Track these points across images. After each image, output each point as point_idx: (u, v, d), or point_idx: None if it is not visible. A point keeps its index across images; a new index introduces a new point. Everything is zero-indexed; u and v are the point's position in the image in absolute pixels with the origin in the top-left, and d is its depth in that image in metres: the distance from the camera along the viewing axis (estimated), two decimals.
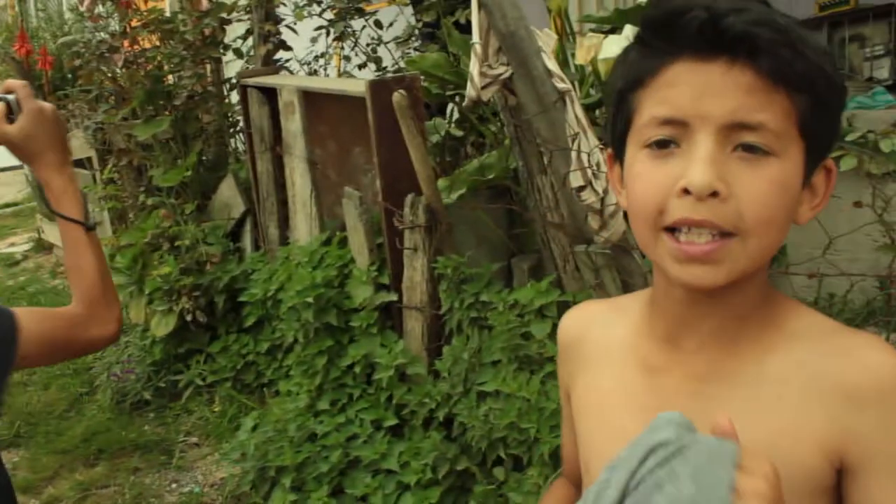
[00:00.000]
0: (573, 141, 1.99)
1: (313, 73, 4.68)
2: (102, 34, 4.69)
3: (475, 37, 2.12)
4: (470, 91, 2.12)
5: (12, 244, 7.62)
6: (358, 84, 2.94)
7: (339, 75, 4.68)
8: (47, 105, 1.36)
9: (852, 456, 0.75)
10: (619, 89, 0.82)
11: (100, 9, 4.46)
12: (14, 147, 1.34)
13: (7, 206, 9.11)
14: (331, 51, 4.53)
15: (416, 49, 4.09)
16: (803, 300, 2.35)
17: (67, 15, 7.11)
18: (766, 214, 0.75)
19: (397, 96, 2.51)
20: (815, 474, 0.76)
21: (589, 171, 1.97)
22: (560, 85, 2.01)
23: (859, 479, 0.75)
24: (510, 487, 2.32)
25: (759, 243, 0.76)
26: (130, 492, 3.49)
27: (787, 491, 0.66)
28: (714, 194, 0.74)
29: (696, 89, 0.74)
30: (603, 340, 0.95)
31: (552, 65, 2.05)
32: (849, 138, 2.66)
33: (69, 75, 6.08)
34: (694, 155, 0.74)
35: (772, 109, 0.74)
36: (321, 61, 4.68)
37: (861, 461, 0.75)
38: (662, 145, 0.78)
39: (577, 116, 1.98)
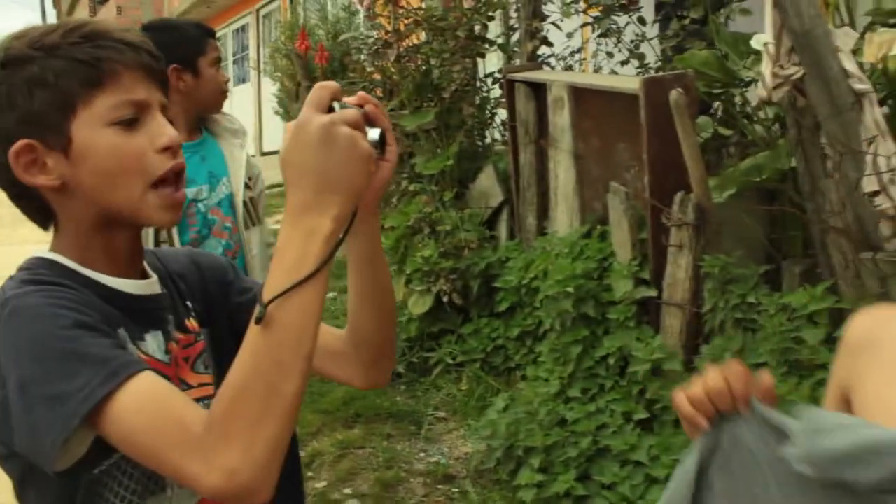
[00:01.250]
0: (869, 145, 1.93)
1: (569, 68, 4.79)
2: (375, 33, 5.06)
3: (768, 36, 2.11)
4: (761, 91, 2.11)
5: (278, 221, 8.41)
6: (631, 81, 3.00)
7: (596, 70, 4.75)
8: (319, 119, 0.88)
9: None
10: None
11: (374, 9, 4.81)
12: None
13: (274, 186, 10.03)
14: (592, 46, 4.61)
15: (679, 46, 4.06)
16: None
17: (337, 12, 7.71)
18: None
19: (675, 94, 2.54)
20: None
21: (885, 177, 1.90)
22: (858, 86, 1.96)
23: None
24: None
25: None
26: (384, 455, 3.77)
27: None
28: None
29: None
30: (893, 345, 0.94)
31: (850, 65, 2.00)
32: None
33: (341, 69, 6.60)
34: None
35: None
36: (577, 56, 4.78)
37: None
38: None
39: (876, 120, 1.93)
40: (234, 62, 16.58)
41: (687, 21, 3.86)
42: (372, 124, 0.95)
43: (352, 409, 4.18)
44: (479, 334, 4.21)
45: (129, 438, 0.89)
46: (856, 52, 2.60)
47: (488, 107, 4.92)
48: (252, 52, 15.53)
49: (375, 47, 4.62)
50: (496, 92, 4.77)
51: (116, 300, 1.02)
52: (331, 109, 0.90)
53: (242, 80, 16.05)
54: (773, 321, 2.31)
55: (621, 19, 4.21)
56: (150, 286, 1.09)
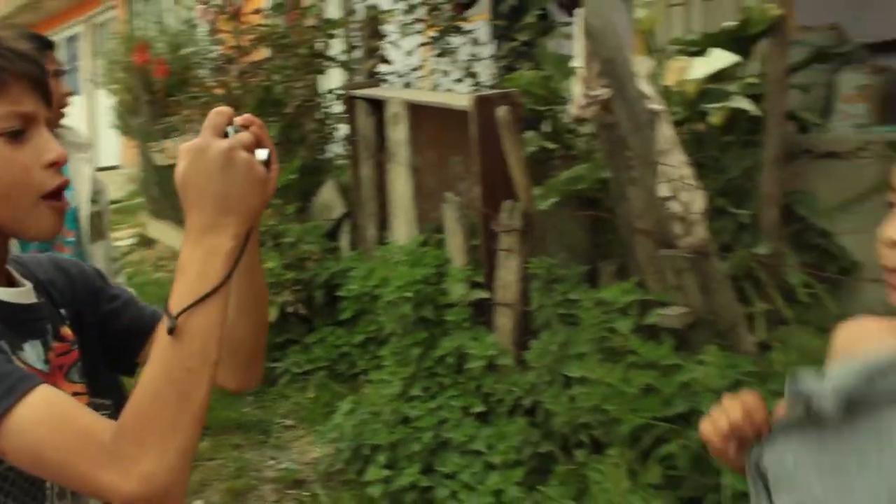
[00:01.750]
0: (663, 156, 2.22)
1: (408, 85, 5.00)
2: (218, 48, 5.10)
3: (579, 61, 2.37)
4: (573, 110, 2.37)
5: (116, 239, 8.16)
6: (462, 98, 3.22)
7: (433, 88, 5.00)
8: (218, 143, 0.94)
9: None
10: None
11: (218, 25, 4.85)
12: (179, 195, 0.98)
13: (111, 202, 9.70)
14: (430, 65, 4.84)
15: (510, 66, 4.35)
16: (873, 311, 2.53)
17: (177, 25, 7.61)
18: None
19: (502, 111, 2.78)
20: None
21: (676, 183, 2.19)
22: (653, 106, 2.25)
23: None
24: (590, 468, 2.55)
25: None
26: (233, 465, 3.81)
27: None
28: None
29: None
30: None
31: (647, 88, 2.28)
32: None
33: (181, 83, 6.54)
34: None
35: None
36: (415, 74, 5.00)
37: None
38: None
39: (667, 134, 2.22)
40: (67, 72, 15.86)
41: (517, 43, 4.15)
42: (258, 144, 0.99)
43: None
44: (324, 343, 4.33)
45: (33, 453, 0.89)
46: (655, 76, 2.93)
47: (329, 122, 5.06)
48: (85, 63, 14.91)
49: (219, 63, 4.65)
50: (337, 108, 4.92)
51: None
52: (225, 133, 0.95)
53: (74, 92, 15.38)
54: (590, 314, 2.58)
55: (457, 40, 4.46)
56: (26, 294, 1.08)
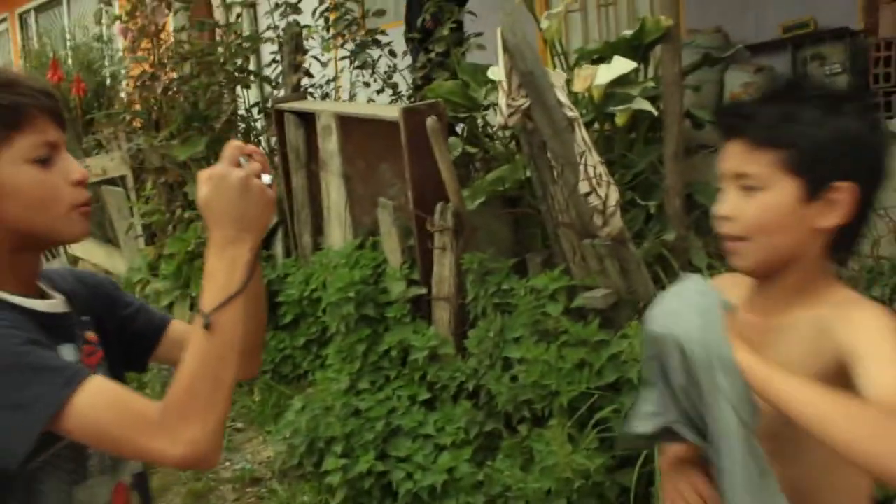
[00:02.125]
0: (581, 157, 2.53)
1: (326, 96, 5.22)
2: (137, 65, 5.20)
3: (501, 75, 2.66)
4: (498, 119, 2.66)
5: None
6: (391, 110, 3.48)
7: (351, 98, 5.23)
8: (236, 172, 1.15)
9: (849, 356, 1.18)
10: None
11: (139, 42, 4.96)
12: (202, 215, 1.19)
13: None
14: (347, 76, 5.07)
15: (427, 76, 4.63)
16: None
17: (88, 41, 7.60)
18: (758, 224, 1.26)
19: (431, 121, 3.04)
20: (830, 375, 1.19)
21: (594, 180, 2.51)
22: (570, 113, 2.55)
23: (856, 366, 1.17)
24: (533, 440, 2.84)
25: (761, 244, 1.25)
26: (189, 469, 3.97)
27: (816, 377, 1.15)
28: (728, 218, 1.26)
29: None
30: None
31: (563, 97, 2.59)
32: None
33: (96, 99, 6.58)
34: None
35: (757, 162, 1.24)
36: (332, 85, 5.23)
37: (853, 356, 1.17)
38: None
39: (583, 138, 2.53)
40: None
41: (433, 54, 4.42)
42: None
43: None
44: (266, 347, 4.50)
45: (95, 432, 1.09)
46: (568, 83, 3.25)
47: (253, 134, 5.23)
48: None
49: (142, 80, 4.77)
50: (261, 122, 5.10)
51: (33, 319, 1.19)
52: (238, 163, 1.17)
53: None
54: (524, 301, 2.88)
55: (374, 52, 4.71)
56: (58, 305, 1.28)
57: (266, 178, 1.19)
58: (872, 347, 1.16)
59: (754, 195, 1.25)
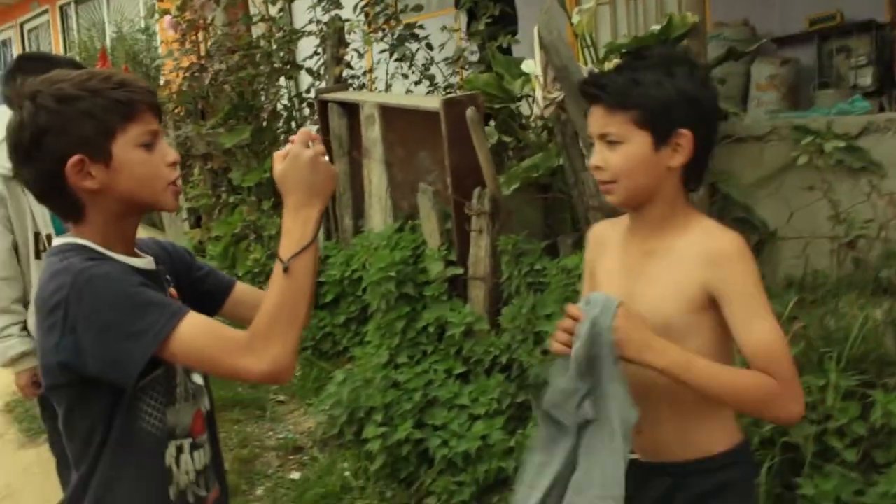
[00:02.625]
0: None
1: (362, 86, 5.45)
2: (188, 57, 5.45)
3: (538, 69, 2.86)
4: (536, 110, 2.86)
5: None
6: (432, 100, 3.69)
7: (386, 88, 5.45)
8: (306, 152, 1.42)
9: (717, 293, 1.50)
10: None
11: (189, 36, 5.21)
12: (278, 185, 1.46)
13: None
14: (384, 67, 5.29)
15: (463, 69, 4.84)
16: (791, 276, 3.08)
17: (133, 34, 7.89)
18: (622, 170, 1.53)
19: (471, 112, 3.25)
20: (697, 300, 1.51)
21: None
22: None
23: (725, 307, 1.49)
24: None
25: (626, 184, 1.54)
26: (237, 437, 4.23)
27: (681, 309, 1.50)
28: (599, 168, 1.55)
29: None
30: (612, 240, 1.71)
31: None
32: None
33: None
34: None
35: (615, 122, 1.52)
36: (368, 76, 5.46)
37: (722, 296, 1.49)
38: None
39: None
40: None
41: (469, 48, 4.63)
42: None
43: None
44: (307, 325, 4.74)
45: (196, 355, 1.37)
46: None
47: (295, 123, 5.47)
48: None
49: (192, 70, 5.02)
50: (305, 111, 5.34)
51: (134, 272, 1.46)
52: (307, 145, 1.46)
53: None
54: (555, 279, 3.09)
55: (412, 45, 4.92)
56: (150, 263, 1.55)
57: (327, 158, 1.49)
58: (738, 291, 1.48)
59: (617, 148, 1.52)
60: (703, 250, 1.52)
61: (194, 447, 1.56)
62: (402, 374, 3.69)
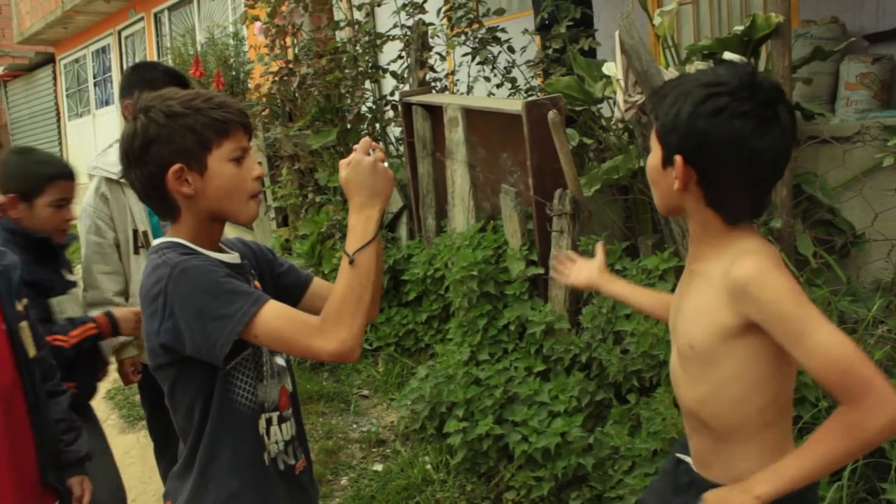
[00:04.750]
0: None
1: (444, 89, 5.55)
2: (277, 61, 5.65)
3: (619, 73, 2.90)
4: (616, 113, 2.90)
5: None
6: (514, 103, 3.76)
7: (468, 90, 5.54)
8: (367, 158, 1.58)
9: (758, 321, 1.41)
10: None
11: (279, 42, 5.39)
12: (344, 189, 1.63)
13: None
14: (465, 70, 5.38)
15: (545, 71, 4.89)
16: (878, 279, 3.04)
17: (224, 39, 8.18)
18: (648, 175, 1.58)
19: (552, 114, 3.31)
20: (727, 327, 1.46)
21: None
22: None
23: (772, 334, 1.41)
24: (640, 408, 3.09)
25: (653, 190, 1.58)
26: (322, 428, 4.39)
27: (708, 333, 1.47)
28: None
29: None
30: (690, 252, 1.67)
31: None
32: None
33: (232, 94, 7.11)
34: None
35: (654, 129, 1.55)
36: (450, 79, 5.55)
37: (763, 324, 1.41)
38: None
39: None
40: (96, 84, 16.46)
41: (549, 50, 4.68)
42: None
43: None
44: (390, 322, 4.88)
45: (275, 335, 1.53)
46: None
47: (380, 125, 5.61)
48: (115, 74, 15.50)
49: (281, 74, 5.21)
50: (389, 113, 5.47)
51: (221, 266, 1.63)
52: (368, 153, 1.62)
53: (105, 102, 15.99)
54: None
55: (494, 48, 5.00)
56: (236, 258, 1.73)
57: (386, 164, 1.63)
58: (774, 316, 1.39)
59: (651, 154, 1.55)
60: (729, 279, 1.45)
61: (282, 420, 1.74)
62: (483, 371, 3.77)
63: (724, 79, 1.45)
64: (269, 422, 1.71)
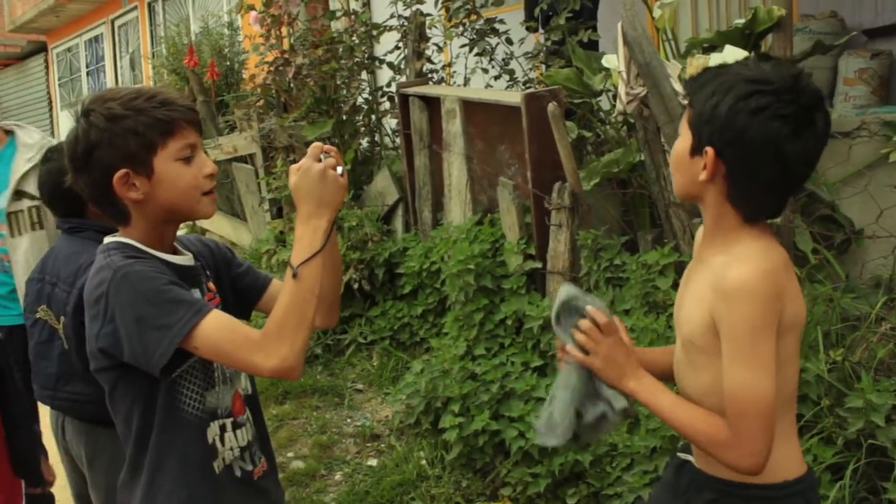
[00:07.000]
0: None
1: (441, 80, 5.50)
2: (272, 52, 5.59)
3: (621, 65, 2.87)
4: (618, 106, 2.87)
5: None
6: (513, 95, 3.72)
7: (465, 82, 5.49)
8: (317, 165, 1.52)
9: (717, 325, 1.45)
10: None
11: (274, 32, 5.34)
12: (293, 196, 1.59)
13: None
14: (462, 62, 5.33)
15: (543, 63, 4.84)
16: (879, 276, 3.02)
17: (218, 29, 8.11)
18: (672, 160, 1.55)
19: (552, 107, 3.27)
20: (706, 323, 1.47)
21: None
22: (684, 101, 2.74)
23: (721, 342, 1.45)
24: (640, 405, 3.05)
25: (674, 176, 1.55)
26: (316, 423, 4.35)
27: (701, 325, 1.48)
28: None
29: None
30: (698, 240, 1.65)
31: (678, 86, 2.78)
32: None
33: (228, 84, 7.06)
34: None
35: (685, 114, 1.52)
36: (446, 71, 5.51)
37: (719, 330, 1.45)
38: None
39: None
40: (89, 73, 16.35)
41: (548, 42, 4.64)
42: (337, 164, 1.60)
43: (280, 388, 4.73)
44: (385, 315, 4.84)
45: (214, 348, 1.50)
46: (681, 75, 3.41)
47: (376, 116, 5.56)
48: (108, 64, 15.40)
49: (276, 64, 5.15)
50: (385, 104, 5.42)
51: (172, 269, 1.60)
52: (319, 158, 1.56)
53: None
54: (635, 275, 3.09)
55: (492, 40, 4.95)
56: (188, 260, 1.69)
57: (339, 170, 1.57)
58: (730, 330, 1.44)
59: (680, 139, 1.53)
60: (718, 277, 1.46)
61: (236, 426, 1.70)
62: (480, 366, 3.73)
63: (769, 77, 1.42)
64: (222, 428, 1.67)
